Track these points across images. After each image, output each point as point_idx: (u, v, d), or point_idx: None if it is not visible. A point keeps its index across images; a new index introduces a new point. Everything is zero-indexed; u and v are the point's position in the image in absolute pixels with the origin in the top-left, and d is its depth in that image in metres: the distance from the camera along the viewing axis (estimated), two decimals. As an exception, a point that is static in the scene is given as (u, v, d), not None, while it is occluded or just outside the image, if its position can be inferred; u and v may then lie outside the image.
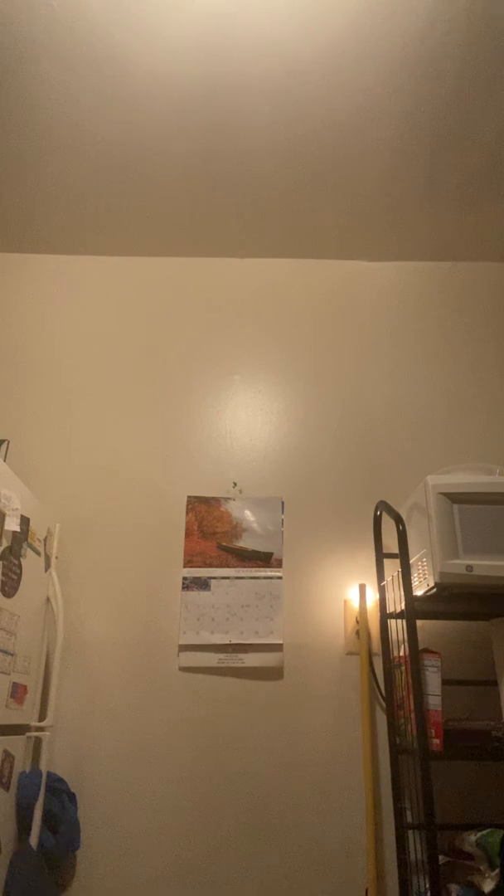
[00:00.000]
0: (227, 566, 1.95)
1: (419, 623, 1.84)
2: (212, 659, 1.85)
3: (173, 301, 2.35)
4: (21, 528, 1.54)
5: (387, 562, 1.79)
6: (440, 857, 1.45)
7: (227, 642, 1.86)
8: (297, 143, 1.93)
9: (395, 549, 1.64)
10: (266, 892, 1.65)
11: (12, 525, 1.48)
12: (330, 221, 2.24)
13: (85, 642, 1.87)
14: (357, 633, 1.86)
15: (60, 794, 1.61)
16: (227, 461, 2.11)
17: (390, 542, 1.86)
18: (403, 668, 1.56)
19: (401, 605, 1.64)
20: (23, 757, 1.54)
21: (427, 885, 1.32)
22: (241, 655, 1.85)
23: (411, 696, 1.43)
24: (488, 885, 1.33)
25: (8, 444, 2.10)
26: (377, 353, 2.27)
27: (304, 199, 2.14)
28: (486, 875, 1.36)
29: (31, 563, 1.61)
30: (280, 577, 1.94)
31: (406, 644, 1.51)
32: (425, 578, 1.54)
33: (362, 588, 1.89)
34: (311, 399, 2.20)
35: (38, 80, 1.76)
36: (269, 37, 1.63)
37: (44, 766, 1.56)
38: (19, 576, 1.52)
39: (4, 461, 1.97)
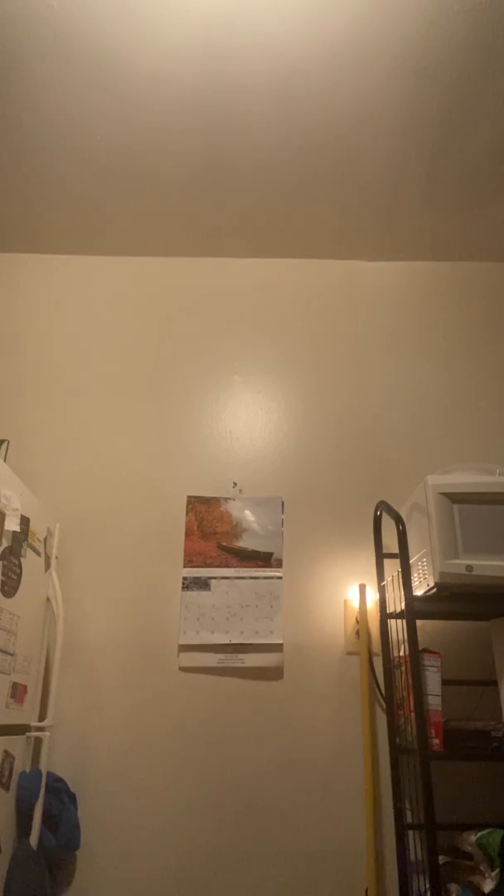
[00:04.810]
0: (227, 566, 1.95)
1: (419, 623, 1.84)
2: (212, 659, 1.85)
3: (173, 301, 2.35)
4: (21, 528, 1.54)
5: (387, 562, 1.80)
6: (440, 857, 1.45)
7: (227, 642, 1.86)
8: (297, 142, 1.93)
9: (395, 549, 1.64)
10: (266, 892, 1.65)
11: (12, 525, 1.48)
12: (330, 221, 2.24)
13: (85, 642, 1.87)
14: (357, 633, 1.86)
15: (60, 794, 1.61)
16: (227, 461, 2.11)
17: (390, 542, 1.86)
18: (403, 668, 1.56)
19: (401, 605, 1.64)
20: (23, 757, 1.54)
21: (427, 885, 1.32)
22: (241, 655, 1.85)
23: (411, 696, 1.43)
24: (488, 885, 1.33)
25: (8, 444, 2.10)
26: (377, 353, 2.27)
27: (305, 199, 2.14)
28: (486, 875, 1.36)
29: (31, 563, 1.61)
30: (280, 577, 1.94)
31: (406, 644, 1.51)
32: (425, 578, 1.54)
33: (362, 588, 1.89)
34: (311, 399, 2.20)
35: (38, 81, 1.76)
36: (271, 35, 1.63)
37: (44, 766, 1.56)
38: (19, 576, 1.52)
39: (4, 461, 1.97)
